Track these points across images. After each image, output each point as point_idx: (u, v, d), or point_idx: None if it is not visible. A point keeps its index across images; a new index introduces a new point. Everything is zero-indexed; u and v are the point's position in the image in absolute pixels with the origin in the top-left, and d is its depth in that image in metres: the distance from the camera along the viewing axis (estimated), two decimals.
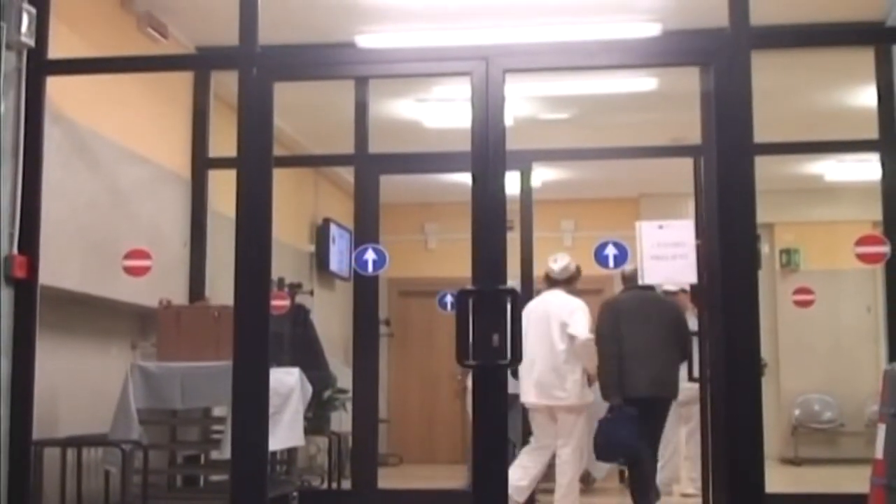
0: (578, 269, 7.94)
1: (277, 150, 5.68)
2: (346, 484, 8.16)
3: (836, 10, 6.72)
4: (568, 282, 7.91)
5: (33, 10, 5.40)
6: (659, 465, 8.91)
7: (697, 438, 8.18)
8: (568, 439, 7.68)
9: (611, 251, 6.87)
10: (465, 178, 5.18)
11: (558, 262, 7.91)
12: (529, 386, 7.69)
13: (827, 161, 10.97)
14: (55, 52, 5.60)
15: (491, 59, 5.14)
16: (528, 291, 7.67)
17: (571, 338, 7.61)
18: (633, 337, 7.56)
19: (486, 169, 5.08)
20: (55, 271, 5.73)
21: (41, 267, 5.43)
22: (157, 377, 6.41)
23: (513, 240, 5.89)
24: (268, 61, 5.34)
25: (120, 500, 6.16)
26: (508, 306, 4.93)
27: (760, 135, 5.10)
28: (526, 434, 7.92)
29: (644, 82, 8.43)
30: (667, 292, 9.20)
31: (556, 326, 7.69)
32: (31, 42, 5.41)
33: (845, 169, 10.92)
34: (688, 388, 7.92)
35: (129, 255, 6.35)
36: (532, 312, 7.68)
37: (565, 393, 7.64)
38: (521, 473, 7.58)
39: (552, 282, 7.93)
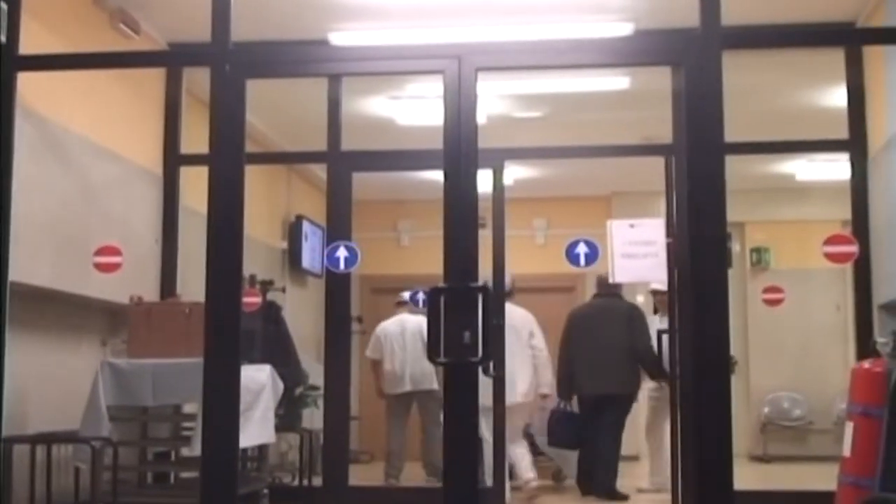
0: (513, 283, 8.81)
1: (250, 147, 5.68)
2: (318, 481, 8.14)
3: (807, 11, 6.78)
4: (511, 294, 8.62)
5: (4, 6, 5.38)
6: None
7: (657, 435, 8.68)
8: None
9: (582, 249, 6.92)
10: (438, 176, 5.17)
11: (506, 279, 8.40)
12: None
13: (798, 160, 11.03)
14: (27, 48, 5.57)
15: (463, 58, 5.14)
16: (500, 289, 7.68)
17: (532, 347, 8.76)
18: (586, 342, 8.81)
19: (458, 166, 5.08)
20: (25, 268, 5.70)
21: (11, 263, 5.40)
22: (128, 374, 6.39)
23: (485, 238, 5.90)
24: (241, 58, 5.33)
25: (90, 497, 6.15)
26: (480, 304, 4.95)
27: (731, 134, 5.13)
28: None
29: (616, 81, 8.45)
30: (655, 292, 9.32)
31: (517, 336, 8.60)
32: (2, 38, 5.38)
33: (816, 168, 10.99)
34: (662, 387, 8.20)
35: (99, 252, 6.34)
36: None
37: (526, 391, 8.74)
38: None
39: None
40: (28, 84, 5.66)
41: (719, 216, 5.03)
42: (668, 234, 7.14)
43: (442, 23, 7.09)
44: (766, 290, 8.21)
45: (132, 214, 7.37)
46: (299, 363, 9.82)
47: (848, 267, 7.48)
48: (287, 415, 9.07)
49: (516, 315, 8.66)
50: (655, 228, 7.26)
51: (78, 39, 6.52)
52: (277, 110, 8.87)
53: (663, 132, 7.44)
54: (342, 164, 7.90)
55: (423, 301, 8.71)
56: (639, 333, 8.79)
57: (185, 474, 7.24)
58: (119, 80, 7.12)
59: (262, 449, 7.53)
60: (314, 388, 9.59)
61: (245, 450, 7.17)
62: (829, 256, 6.77)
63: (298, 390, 9.64)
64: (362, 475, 9.62)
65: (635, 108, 8.87)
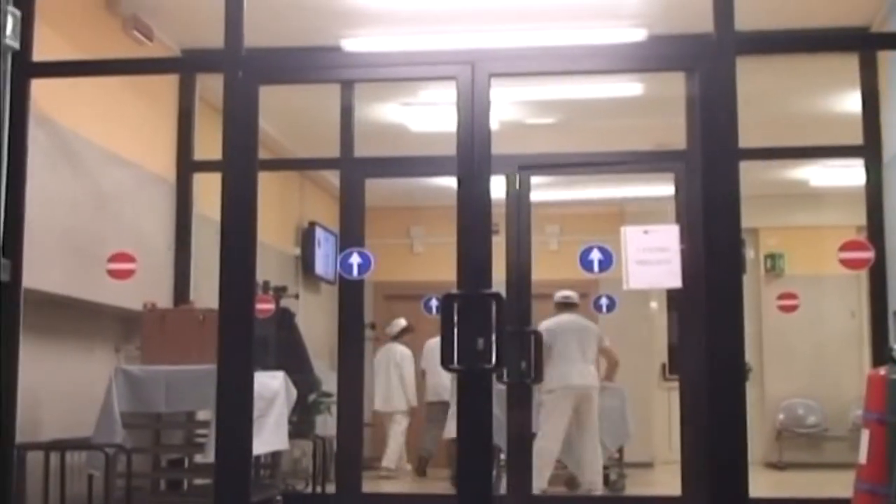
0: (409, 327, 11.93)
1: (263, 154, 5.67)
2: (331, 488, 8.14)
3: (821, 16, 6.75)
4: (400, 336, 11.96)
5: (18, 13, 5.37)
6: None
7: None
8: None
9: (596, 256, 6.89)
10: (451, 182, 5.17)
11: (393, 327, 11.93)
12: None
13: (812, 166, 11.01)
14: (40, 54, 5.57)
15: (477, 64, 5.13)
16: (526, 293, 7.66)
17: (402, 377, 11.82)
18: None
19: (471, 173, 5.08)
20: (39, 274, 5.70)
21: (25, 270, 5.40)
22: (142, 380, 6.39)
23: (498, 244, 5.89)
24: (253, 64, 5.33)
25: None
26: (493, 310, 4.93)
27: (745, 140, 5.11)
28: None
29: (630, 87, 8.44)
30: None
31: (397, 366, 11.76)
32: (16, 44, 5.37)
33: (830, 174, 10.95)
34: None
35: (113, 258, 6.34)
36: (383, 358, 11.80)
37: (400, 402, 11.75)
38: None
39: (393, 337, 11.97)
40: (41, 91, 5.66)
41: (733, 222, 5.02)
42: (682, 240, 7.11)
43: (455, 29, 7.07)
44: (781, 297, 8.18)
45: (145, 221, 7.38)
46: (312, 370, 9.83)
47: (863, 273, 7.44)
48: (300, 421, 9.06)
49: (399, 352, 11.84)
50: (669, 235, 7.22)
51: (91, 46, 6.53)
52: (290, 117, 8.87)
53: (677, 138, 7.41)
54: (355, 170, 7.90)
55: (437, 308, 8.70)
56: None
57: (198, 481, 7.24)
58: (132, 87, 7.12)
59: (275, 456, 7.54)
60: (327, 394, 9.59)
61: (258, 457, 7.16)
62: (845, 262, 6.73)
63: (312, 397, 9.65)
64: (375, 482, 9.62)
65: (648, 115, 8.84)
